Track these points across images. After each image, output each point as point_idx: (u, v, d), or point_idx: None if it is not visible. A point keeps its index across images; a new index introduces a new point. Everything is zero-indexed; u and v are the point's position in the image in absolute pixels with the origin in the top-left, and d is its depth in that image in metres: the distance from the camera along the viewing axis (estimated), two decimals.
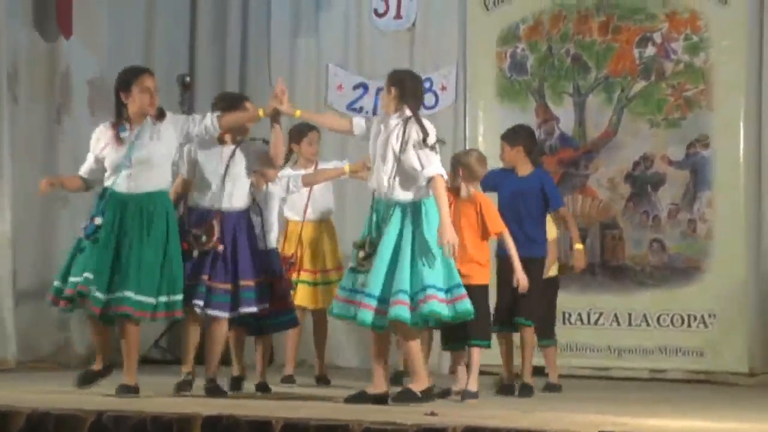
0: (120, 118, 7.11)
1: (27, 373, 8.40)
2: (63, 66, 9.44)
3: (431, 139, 6.87)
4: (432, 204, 6.78)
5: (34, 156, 9.33)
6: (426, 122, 7.00)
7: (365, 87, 10.48)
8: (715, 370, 9.40)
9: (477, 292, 7.07)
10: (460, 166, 7.53)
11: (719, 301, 9.38)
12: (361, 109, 10.44)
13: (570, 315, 9.67)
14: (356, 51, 10.59)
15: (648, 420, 5.90)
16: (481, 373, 8.83)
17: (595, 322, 9.67)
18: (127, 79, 7.11)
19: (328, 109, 10.47)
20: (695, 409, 7.03)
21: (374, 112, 10.32)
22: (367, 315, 6.66)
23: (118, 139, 7.05)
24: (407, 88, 7.02)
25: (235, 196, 7.29)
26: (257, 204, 7.56)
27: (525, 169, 8.09)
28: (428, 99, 10.26)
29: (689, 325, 9.47)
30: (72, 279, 6.88)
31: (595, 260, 9.66)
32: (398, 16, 10.45)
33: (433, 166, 6.79)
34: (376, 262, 6.70)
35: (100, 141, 7.16)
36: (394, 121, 6.96)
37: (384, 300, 6.65)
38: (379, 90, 10.42)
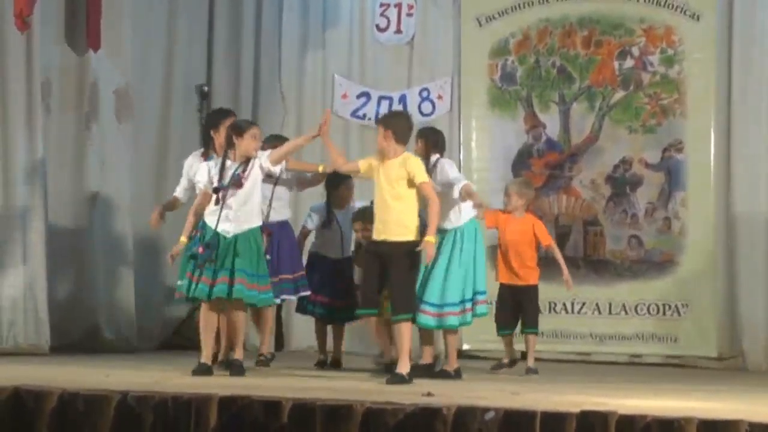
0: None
1: (59, 357, 8.40)
2: (91, 77, 9.43)
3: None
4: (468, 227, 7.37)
5: (65, 160, 9.33)
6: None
7: (368, 96, 10.48)
8: (687, 355, 9.41)
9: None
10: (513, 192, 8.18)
11: (691, 292, 9.39)
12: (364, 116, 10.44)
13: (555, 305, 9.67)
14: (360, 63, 10.58)
15: (626, 400, 5.90)
16: (476, 357, 8.86)
17: (578, 311, 9.68)
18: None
19: (334, 116, 10.47)
20: (669, 390, 7.03)
21: (376, 119, 10.31)
22: (429, 320, 7.27)
23: None
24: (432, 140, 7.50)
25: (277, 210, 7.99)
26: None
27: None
28: (425, 107, 10.29)
29: (664, 314, 9.47)
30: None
31: (578, 254, 9.67)
32: (398, 31, 10.44)
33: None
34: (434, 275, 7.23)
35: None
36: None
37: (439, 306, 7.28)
38: (381, 99, 10.45)
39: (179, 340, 9.98)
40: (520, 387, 6.72)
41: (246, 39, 10.74)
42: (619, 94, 9.75)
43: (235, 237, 7.19)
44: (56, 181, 9.16)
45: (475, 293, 7.33)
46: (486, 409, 4.96)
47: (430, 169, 7.23)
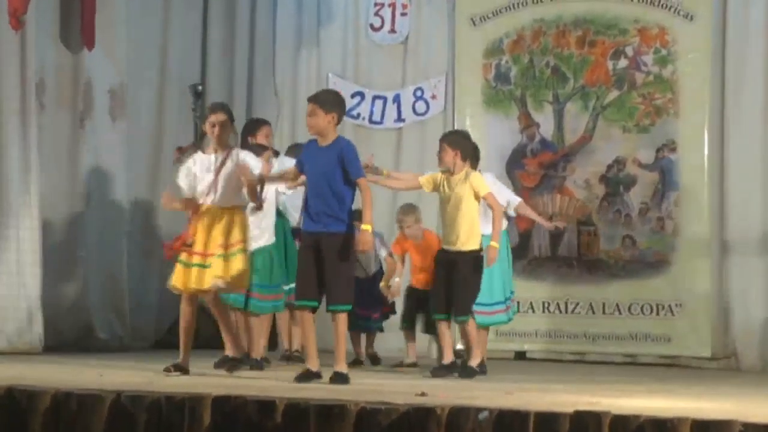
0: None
1: (53, 357, 8.38)
2: (85, 76, 9.42)
3: None
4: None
5: (59, 158, 9.32)
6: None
7: (362, 95, 10.48)
8: (680, 355, 9.41)
9: None
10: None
11: (685, 292, 9.39)
12: (358, 116, 10.44)
13: (549, 304, 9.67)
14: (354, 62, 10.58)
15: (620, 400, 5.90)
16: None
17: (572, 311, 9.68)
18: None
19: None
20: (662, 390, 7.03)
21: (370, 119, 10.34)
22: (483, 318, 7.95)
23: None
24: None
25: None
26: None
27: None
28: (420, 107, 10.29)
29: (657, 314, 9.47)
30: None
31: (572, 254, 9.67)
32: (392, 30, 10.44)
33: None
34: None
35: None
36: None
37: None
38: (375, 98, 10.45)
39: (173, 339, 9.94)
40: (514, 387, 6.72)
41: (240, 38, 10.74)
42: (613, 94, 9.75)
43: (253, 253, 7.57)
44: (50, 179, 9.15)
45: (511, 293, 8.22)
46: (480, 409, 4.96)
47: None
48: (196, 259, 7.37)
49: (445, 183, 7.57)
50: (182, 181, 7.46)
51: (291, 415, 5.12)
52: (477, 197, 7.50)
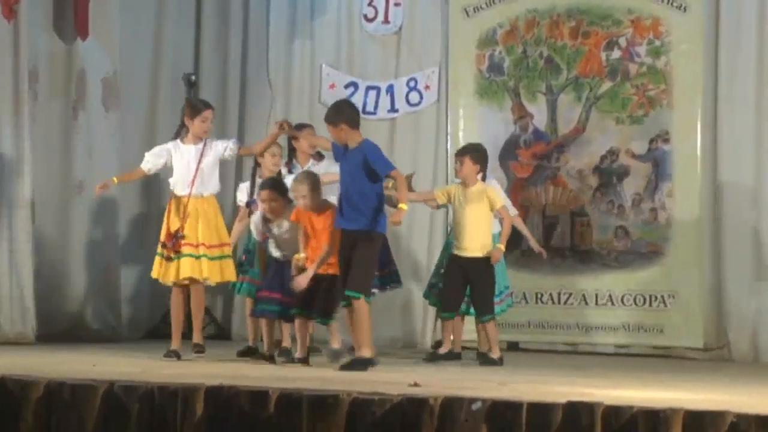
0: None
1: (45, 346, 8.37)
2: (79, 65, 9.40)
3: None
4: None
5: (52, 148, 9.30)
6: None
7: (356, 86, 10.45)
8: (673, 346, 9.42)
9: None
10: None
11: (677, 283, 9.39)
12: None
13: (542, 295, 9.68)
14: (347, 53, 10.55)
15: (612, 391, 5.90)
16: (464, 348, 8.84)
17: (565, 302, 9.68)
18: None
19: (322, 106, 10.46)
20: (655, 380, 7.03)
21: (363, 109, 10.30)
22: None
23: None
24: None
25: None
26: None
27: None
28: (413, 97, 10.27)
29: (650, 305, 9.47)
30: None
31: (565, 245, 9.67)
32: (386, 21, 10.41)
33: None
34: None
35: None
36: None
37: None
38: (368, 89, 10.42)
39: (166, 329, 9.93)
40: (507, 377, 6.72)
41: (234, 28, 10.71)
42: (607, 85, 9.74)
43: None
44: (43, 169, 9.14)
45: (506, 287, 8.62)
46: (473, 400, 4.95)
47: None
48: (187, 250, 7.62)
49: (460, 195, 8.09)
50: (152, 156, 7.90)
51: (284, 405, 5.11)
52: (492, 208, 8.07)
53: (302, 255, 7.37)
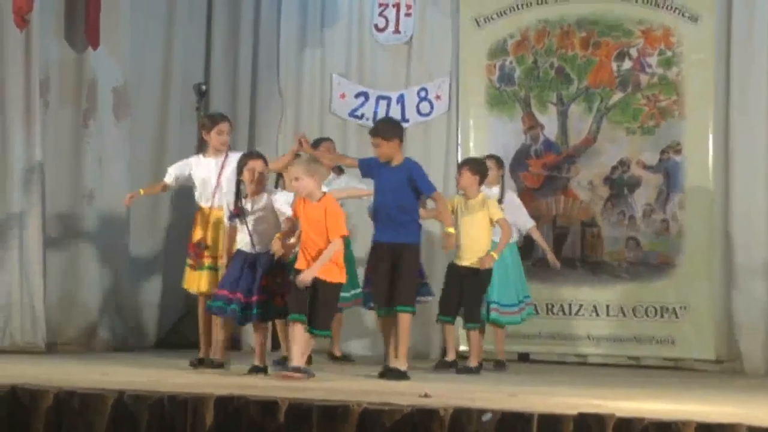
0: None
1: (55, 356, 8.37)
2: (90, 74, 9.41)
3: None
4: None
5: (62, 156, 9.30)
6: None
7: (366, 95, 10.45)
8: (684, 358, 9.39)
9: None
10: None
11: (689, 295, 9.37)
12: (362, 116, 10.41)
13: (553, 306, 9.66)
14: (358, 62, 10.55)
15: (623, 402, 5.88)
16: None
17: (576, 313, 9.66)
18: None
19: (332, 116, 10.48)
20: (666, 393, 7.01)
21: (373, 119, 10.30)
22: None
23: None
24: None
25: None
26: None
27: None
28: (424, 107, 10.27)
29: (662, 316, 9.45)
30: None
31: (575, 256, 9.65)
32: (397, 31, 10.42)
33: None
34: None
35: None
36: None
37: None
38: (379, 98, 10.42)
39: (176, 338, 9.95)
40: (518, 389, 6.70)
41: (244, 37, 10.72)
42: (618, 96, 9.73)
43: None
44: (54, 177, 9.14)
45: (525, 297, 8.87)
46: (483, 411, 4.94)
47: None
48: (208, 262, 7.80)
49: (462, 205, 8.24)
50: (174, 169, 8.00)
51: (294, 416, 5.11)
52: (491, 221, 8.19)
53: (292, 240, 7.14)
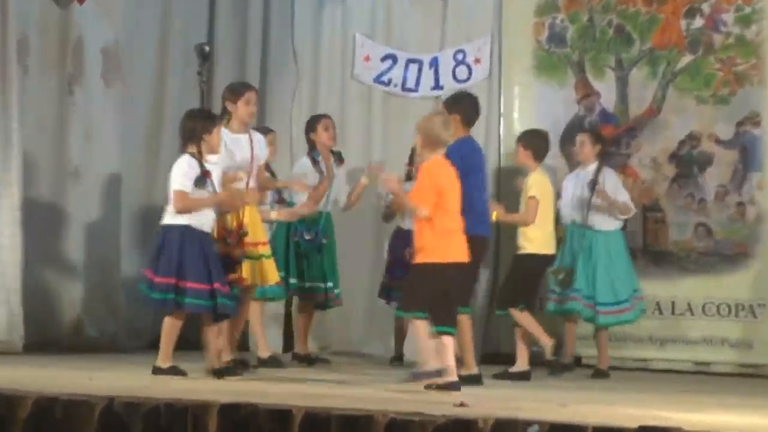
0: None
1: (35, 357, 8.42)
2: (75, 34, 9.45)
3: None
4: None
5: (44, 129, 9.35)
6: None
7: (394, 58, 10.46)
8: (763, 364, 9.37)
9: None
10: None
11: None
12: (389, 82, 10.41)
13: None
14: (385, 20, 10.56)
15: (692, 415, 5.87)
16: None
17: None
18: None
19: (355, 82, 10.48)
20: (742, 404, 7.00)
21: (403, 86, 10.29)
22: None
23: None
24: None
25: None
26: None
27: None
28: (461, 72, 10.27)
29: (737, 315, 9.44)
30: None
31: (636, 245, 9.64)
32: None
33: None
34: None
35: None
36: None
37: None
38: (409, 62, 10.40)
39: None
40: (569, 397, 6.70)
41: None
42: (686, 59, 9.72)
43: None
44: (34, 153, 9.19)
45: (635, 290, 9.04)
46: (529, 423, 4.95)
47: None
48: (254, 251, 7.91)
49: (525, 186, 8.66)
50: (224, 163, 7.76)
51: (310, 427, 5.13)
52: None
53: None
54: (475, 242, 7.50)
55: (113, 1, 9.67)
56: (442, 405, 5.68)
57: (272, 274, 8.02)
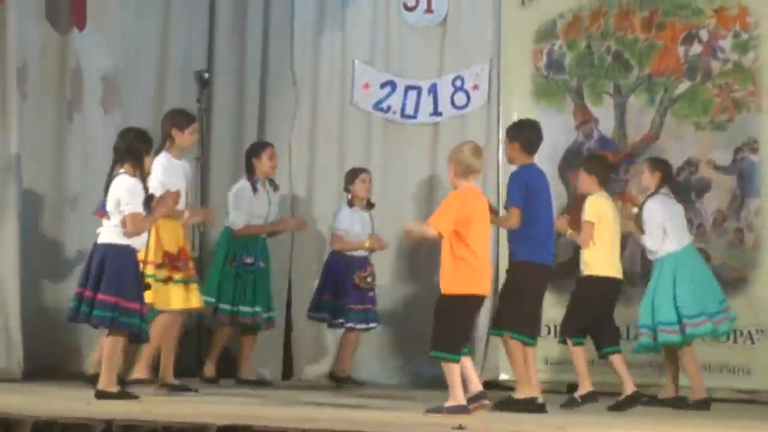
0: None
1: (34, 383, 8.42)
2: (74, 60, 9.46)
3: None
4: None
5: (43, 155, 9.35)
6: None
7: (393, 85, 10.48)
8: (761, 390, 9.35)
9: None
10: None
11: (767, 317, 9.33)
12: (388, 109, 10.43)
13: None
14: (384, 47, 10.58)
15: None
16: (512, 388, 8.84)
17: (635, 337, 9.60)
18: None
19: (354, 108, 10.51)
20: (740, 430, 6.99)
21: (402, 113, 10.32)
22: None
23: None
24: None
25: None
26: None
27: None
28: (459, 99, 10.29)
29: (735, 341, 9.42)
30: None
31: (634, 270, 9.62)
32: (429, 10, 10.44)
33: None
34: None
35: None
36: None
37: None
38: (408, 89, 10.43)
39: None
40: (567, 421, 6.71)
41: (253, 18, 10.76)
42: (684, 85, 9.73)
43: None
44: (32, 180, 9.19)
45: (720, 301, 8.88)
46: None
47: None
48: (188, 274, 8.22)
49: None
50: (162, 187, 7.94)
51: None
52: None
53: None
54: (531, 269, 7.56)
55: (112, 28, 9.70)
56: (441, 427, 5.69)
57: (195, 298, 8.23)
